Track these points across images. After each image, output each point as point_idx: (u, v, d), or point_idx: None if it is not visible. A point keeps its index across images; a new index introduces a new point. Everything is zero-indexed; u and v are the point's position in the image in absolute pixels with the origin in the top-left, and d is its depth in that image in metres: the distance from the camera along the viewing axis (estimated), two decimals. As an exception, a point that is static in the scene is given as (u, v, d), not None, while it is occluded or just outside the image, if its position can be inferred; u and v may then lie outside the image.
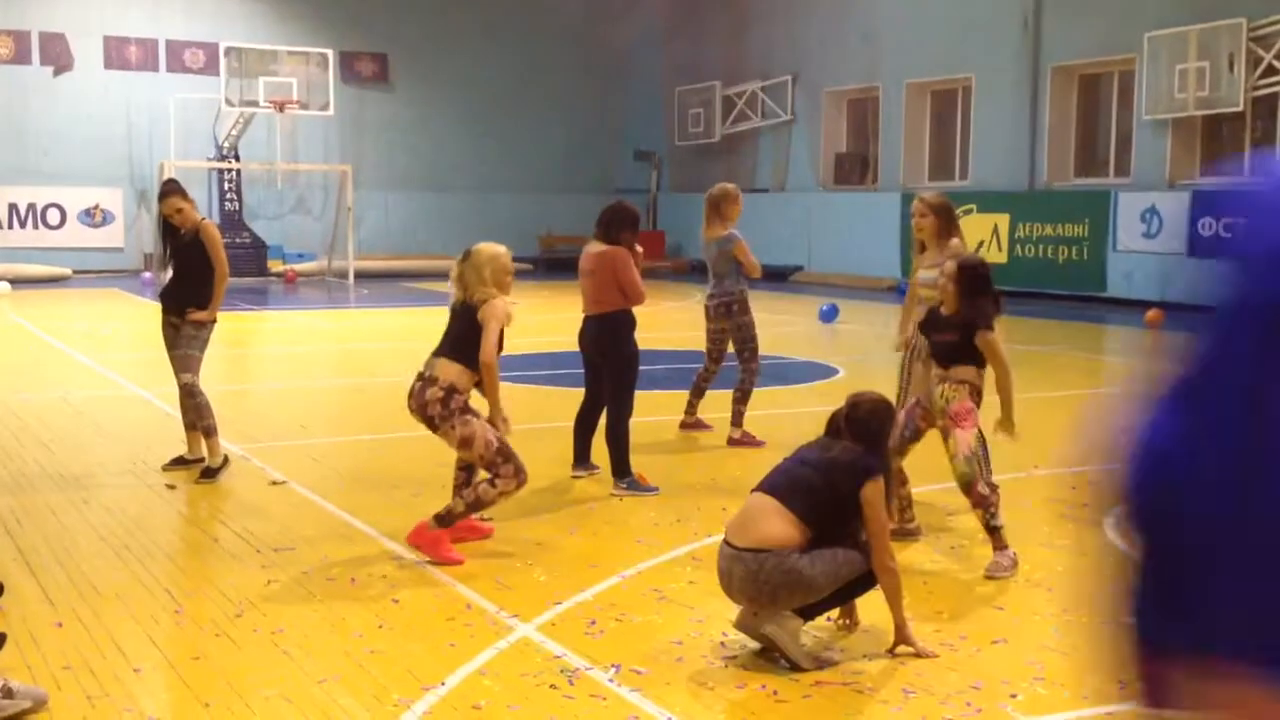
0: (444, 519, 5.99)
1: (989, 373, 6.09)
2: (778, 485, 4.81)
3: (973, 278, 6.07)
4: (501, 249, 6.31)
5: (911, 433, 6.30)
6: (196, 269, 7.90)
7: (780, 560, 4.58)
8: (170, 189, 7.96)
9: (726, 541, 4.76)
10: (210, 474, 7.72)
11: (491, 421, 6.08)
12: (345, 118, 28.45)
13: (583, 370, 7.94)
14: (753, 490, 4.91)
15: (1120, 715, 4.05)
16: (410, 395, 6.11)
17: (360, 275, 25.85)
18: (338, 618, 5.21)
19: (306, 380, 12.77)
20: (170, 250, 8.05)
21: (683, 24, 29.76)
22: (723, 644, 4.88)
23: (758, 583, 4.59)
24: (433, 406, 5.97)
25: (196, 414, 7.86)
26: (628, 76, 31.64)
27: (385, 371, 12.61)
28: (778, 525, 4.64)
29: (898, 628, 4.78)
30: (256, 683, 4.47)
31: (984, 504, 5.86)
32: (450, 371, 6.03)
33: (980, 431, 6.03)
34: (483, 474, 6.16)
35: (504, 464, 6.00)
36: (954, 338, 6.03)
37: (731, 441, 8.89)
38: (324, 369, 13.89)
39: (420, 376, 6.12)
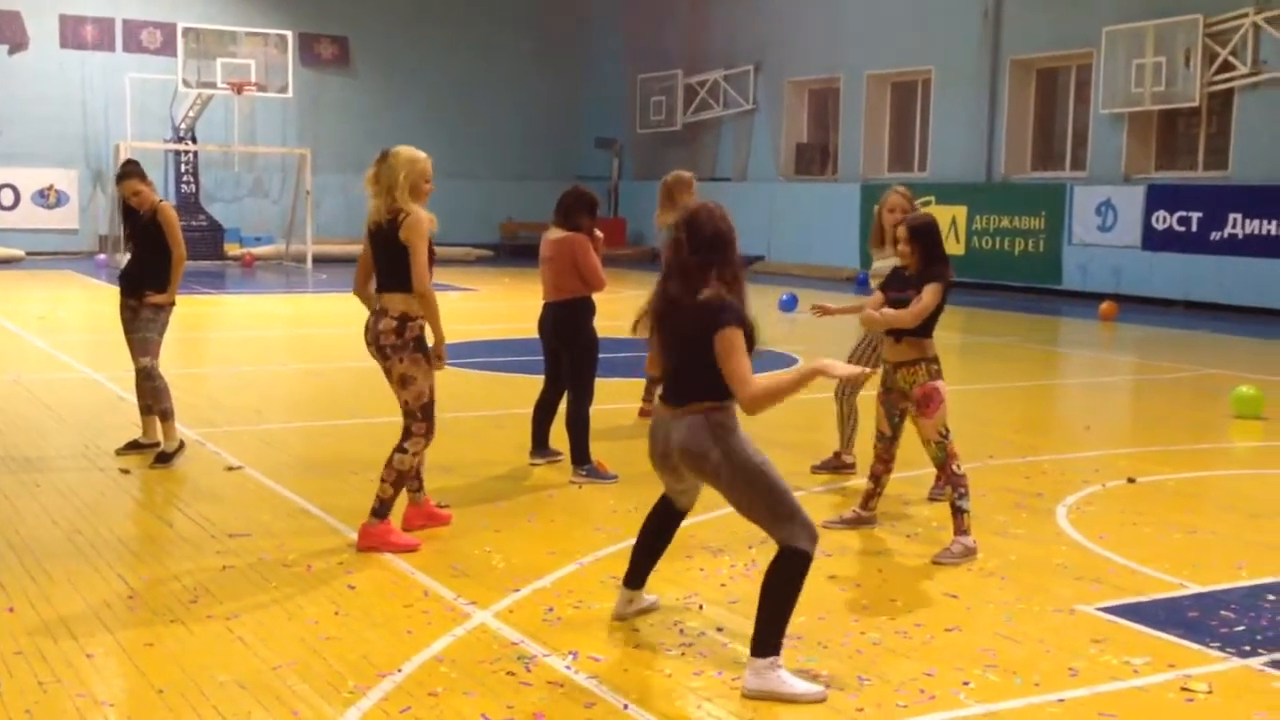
0: (379, 510, 6.00)
1: (937, 352, 6.20)
2: (672, 389, 4.67)
3: (922, 231, 6.13)
4: (421, 154, 6.09)
5: (900, 415, 6.32)
6: (154, 251, 7.82)
7: (722, 422, 4.53)
8: (129, 170, 7.87)
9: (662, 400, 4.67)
10: (165, 459, 7.67)
11: (435, 353, 6.05)
12: (304, 100, 28.24)
13: (542, 357, 7.93)
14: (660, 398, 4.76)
15: (1071, 702, 4.12)
16: (366, 330, 6.07)
17: (318, 259, 25.68)
18: (293, 604, 5.19)
19: (263, 365, 12.68)
20: (129, 232, 7.98)
21: (645, 12, 29.72)
22: (681, 631, 4.91)
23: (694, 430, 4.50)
24: (386, 337, 5.95)
25: (154, 397, 7.79)
26: (590, 64, 31.58)
27: (342, 356, 12.55)
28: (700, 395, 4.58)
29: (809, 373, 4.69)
30: (211, 669, 4.44)
31: (955, 482, 6.01)
32: (397, 302, 5.97)
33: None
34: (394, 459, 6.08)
35: (420, 420, 6.00)
36: (914, 296, 6.08)
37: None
38: (281, 354, 13.80)
39: (374, 312, 6.07)
